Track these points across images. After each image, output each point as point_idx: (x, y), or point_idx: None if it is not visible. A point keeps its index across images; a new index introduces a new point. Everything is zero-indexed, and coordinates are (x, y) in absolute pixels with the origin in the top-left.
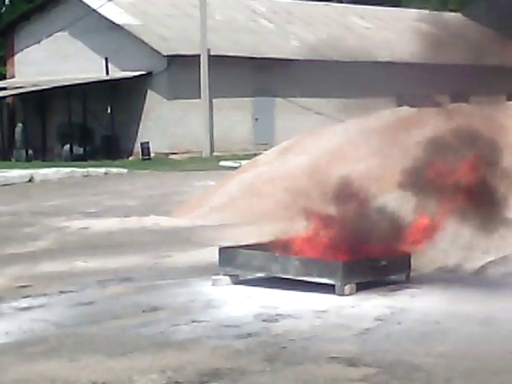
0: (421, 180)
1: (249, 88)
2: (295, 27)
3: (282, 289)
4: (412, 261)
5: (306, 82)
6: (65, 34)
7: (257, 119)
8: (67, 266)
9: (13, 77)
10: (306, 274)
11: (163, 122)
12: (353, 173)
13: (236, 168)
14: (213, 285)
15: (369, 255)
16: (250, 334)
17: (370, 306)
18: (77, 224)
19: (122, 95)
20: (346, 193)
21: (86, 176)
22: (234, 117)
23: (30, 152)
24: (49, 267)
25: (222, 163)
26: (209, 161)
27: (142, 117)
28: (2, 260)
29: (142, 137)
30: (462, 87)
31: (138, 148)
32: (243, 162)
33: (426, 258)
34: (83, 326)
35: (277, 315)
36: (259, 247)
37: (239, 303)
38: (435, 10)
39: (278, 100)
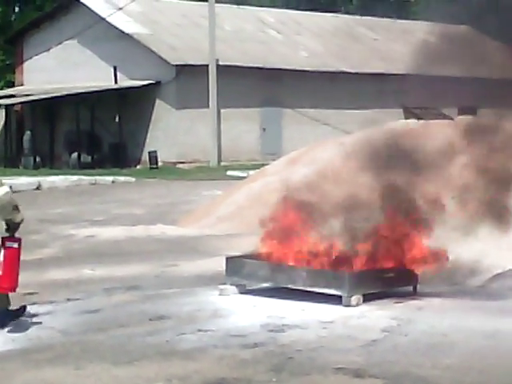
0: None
1: (257, 98)
2: (304, 38)
3: (289, 299)
4: (419, 273)
5: (314, 92)
6: (74, 42)
7: (264, 129)
8: (74, 273)
9: (21, 84)
10: (312, 284)
11: (171, 131)
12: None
13: (243, 178)
14: (219, 294)
15: (376, 267)
16: (256, 344)
17: (377, 317)
18: (84, 232)
19: (130, 104)
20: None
21: (93, 184)
22: (242, 127)
23: (38, 159)
24: (55, 275)
25: (230, 173)
26: (216, 170)
27: (150, 126)
28: None
29: (149, 145)
30: (469, 100)
31: (145, 157)
32: (251, 172)
33: (433, 271)
34: (89, 333)
35: (283, 325)
36: (265, 257)
37: (246, 313)
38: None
39: (286, 110)
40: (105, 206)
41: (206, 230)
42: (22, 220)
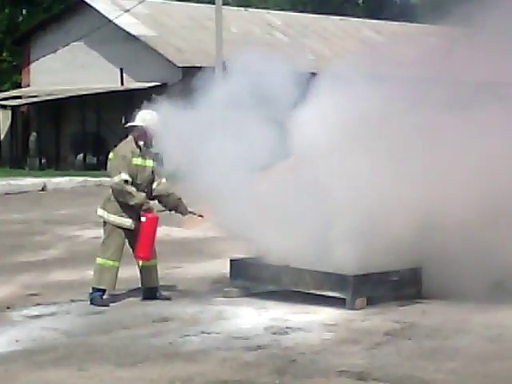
0: None
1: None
2: (310, 41)
3: (293, 302)
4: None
5: None
6: (81, 44)
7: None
8: (78, 275)
9: (28, 86)
10: (316, 287)
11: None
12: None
13: None
14: (223, 296)
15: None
16: (259, 347)
17: (381, 320)
18: (88, 233)
19: (136, 106)
20: None
21: (98, 185)
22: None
23: (44, 161)
24: (60, 276)
25: None
26: None
27: None
28: (13, 268)
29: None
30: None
31: None
32: None
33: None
34: (93, 335)
35: (287, 328)
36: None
37: (249, 315)
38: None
39: None
40: None
41: (211, 232)
42: (137, 204)
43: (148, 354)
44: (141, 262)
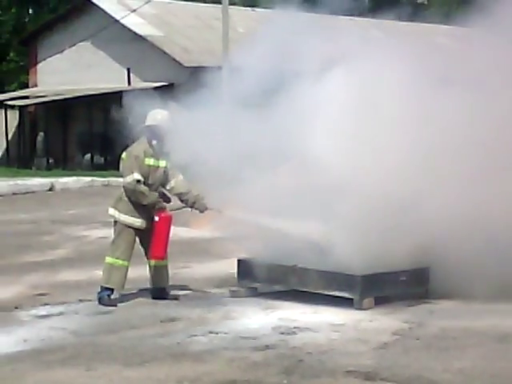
0: None
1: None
2: (317, 40)
3: (301, 301)
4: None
5: None
6: (87, 44)
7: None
8: (86, 274)
9: (35, 86)
10: (324, 287)
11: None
12: None
13: None
14: (231, 296)
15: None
16: (267, 346)
17: (389, 320)
18: (96, 233)
19: (143, 105)
20: None
21: (106, 185)
22: None
23: (51, 161)
24: (67, 276)
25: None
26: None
27: None
28: (21, 268)
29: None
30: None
31: None
32: None
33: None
34: (101, 335)
35: (294, 328)
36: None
37: (257, 315)
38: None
39: None
40: None
41: (218, 232)
42: (149, 203)
43: (156, 354)
44: (152, 262)
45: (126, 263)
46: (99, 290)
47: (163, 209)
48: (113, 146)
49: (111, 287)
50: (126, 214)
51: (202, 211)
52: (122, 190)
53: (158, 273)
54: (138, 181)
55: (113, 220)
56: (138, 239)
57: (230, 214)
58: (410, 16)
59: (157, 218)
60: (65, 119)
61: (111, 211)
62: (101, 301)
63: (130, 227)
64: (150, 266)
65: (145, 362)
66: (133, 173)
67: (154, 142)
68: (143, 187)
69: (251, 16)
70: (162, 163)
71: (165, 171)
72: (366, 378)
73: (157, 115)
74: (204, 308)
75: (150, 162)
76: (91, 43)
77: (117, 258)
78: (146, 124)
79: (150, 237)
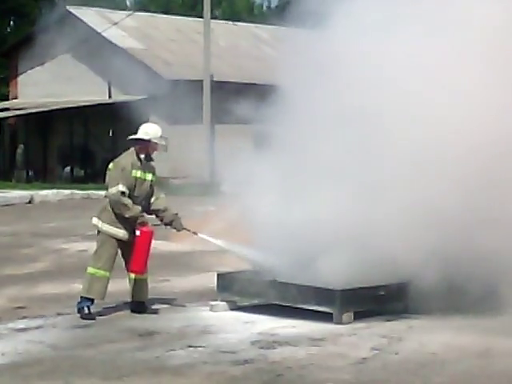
0: None
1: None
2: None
3: (280, 316)
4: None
5: None
6: (68, 56)
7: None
8: (65, 288)
9: (15, 98)
10: (303, 301)
11: None
12: None
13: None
14: (210, 310)
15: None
16: (246, 361)
17: (368, 335)
18: (76, 246)
19: (124, 118)
20: None
21: (86, 198)
22: (236, 143)
23: (31, 173)
24: (46, 289)
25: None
26: (210, 186)
27: None
28: None
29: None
30: None
31: None
32: None
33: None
34: (79, 348)
35: (274, 342)
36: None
37: (236, 329)
38: None
39: None
40: None
41: (198, 246)
42: (131, 216)
43: (134, 368)
44: (133, 276)
45: (107, 274)
46: (79, 300)
47: (145, 223)
48: (93, 158)
49: (91, 297)
50: (109, 225)
51: (178, 230)
52: (107, 200)
53: (139, 287)
54: (123, 193)
55: (96, 230)
56: (119, 251)
57: (202, 236)
58: None
59: (138, 233)
60: (45, 132)
61: (95, 221)
62: (80, 311)
63: (113, 238)
64: (129, 279)
65: (123, 376)
66: (118, 184)
67: (142, 156)
68: (127, 200)
69: (233, 30)
70: (149, 176)
71: (151, 185)
72: None
73: (148, 129)
74: (183, 322)
75: (137, 174)
76: (72, 56)
77: (98, 269)
78: (137, 136)
79: (132, 250)
